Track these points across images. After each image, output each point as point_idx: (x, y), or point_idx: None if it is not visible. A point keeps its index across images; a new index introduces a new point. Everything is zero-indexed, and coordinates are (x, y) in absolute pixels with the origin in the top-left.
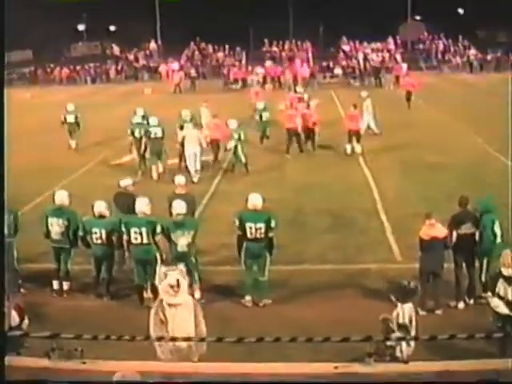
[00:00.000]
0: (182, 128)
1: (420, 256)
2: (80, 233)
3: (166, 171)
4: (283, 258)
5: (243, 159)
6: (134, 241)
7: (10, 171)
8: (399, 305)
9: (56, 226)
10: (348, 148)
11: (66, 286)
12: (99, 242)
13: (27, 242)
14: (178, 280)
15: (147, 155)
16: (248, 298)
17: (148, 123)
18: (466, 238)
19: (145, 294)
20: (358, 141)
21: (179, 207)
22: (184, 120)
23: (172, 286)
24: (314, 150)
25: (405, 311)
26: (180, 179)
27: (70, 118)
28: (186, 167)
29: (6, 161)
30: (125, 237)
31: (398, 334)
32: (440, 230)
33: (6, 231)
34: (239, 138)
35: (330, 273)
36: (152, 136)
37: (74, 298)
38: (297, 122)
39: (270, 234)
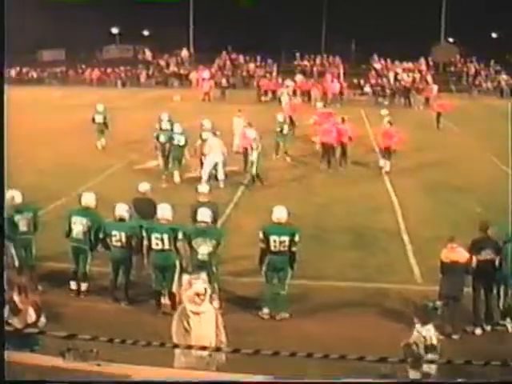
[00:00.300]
0: (201, 137)
1: (440, 279)
2: (100, 235)
3: (185, 179)
4: (303, 273)
5: (254, 171)
6: (154, 246)
7: (38, 169)
8: (421, 326)
9: (79, 224)
10: (381, 162)
11: (83, 287)
12: (118, 244)
13: (48, 241)
14: (205, 288)
15: (170, 161)
16: (266, 310)
17: (172, 129)
18: (485, 263)
19: (162, 300)
20: (389, 158)
21: (204, 215)
22: (204, 129)
23: (199, 295)
24: (345, 165)
25: (431, 332)
26: (204, 188)
27: (99, 119)
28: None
29: (7, 156)
30: (145, 242)
31: (430, 356)
32: (461, 254)
33: (25, 228)
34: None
35: (350, 290)
36: (175, 143)
37: (91, 300)
38: (333, 136)
39: (294, 248)
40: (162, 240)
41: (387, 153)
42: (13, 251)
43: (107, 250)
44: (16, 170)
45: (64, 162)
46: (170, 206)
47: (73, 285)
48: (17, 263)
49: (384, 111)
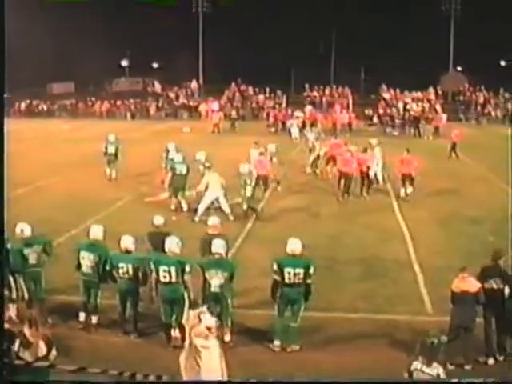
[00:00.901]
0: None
1: (451, 309)
2: (107, 267)
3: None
4: (314, 305)
5: (245, 205)
6: (162, 279)
7: (47, 201)
8: (426, 367)
9: (87, 260)
10: (402, 191)
11: (94, 320)
12: (125, 276)
13: (58, 273)
14: (215, 321)
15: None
16: (277, 342)
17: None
18: (493, 292)
19: (172, 333)
20: (412, 183)
21: (218, 246)
22: (198, 161)
23: (209, 328)
24: (368, 195)
25: (437, 371)
26: (215, 220)
27: (111, 149)
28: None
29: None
30: (153, 274)
31: None
32: (472, 284)
33: (34, 261)
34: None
35: (360, 322)
36: (177, 172)
37: (102, 333)
38: (353, 166)
39: (309, 281)
40: (170, 273)
41: (409, 179)
42: (22, 284)
43: (114, 282)
44: (25, 202)
45: (73, 193)
46: (178, 239)
47: (82, 317)
48: (26, 296)
49: (374, 140)
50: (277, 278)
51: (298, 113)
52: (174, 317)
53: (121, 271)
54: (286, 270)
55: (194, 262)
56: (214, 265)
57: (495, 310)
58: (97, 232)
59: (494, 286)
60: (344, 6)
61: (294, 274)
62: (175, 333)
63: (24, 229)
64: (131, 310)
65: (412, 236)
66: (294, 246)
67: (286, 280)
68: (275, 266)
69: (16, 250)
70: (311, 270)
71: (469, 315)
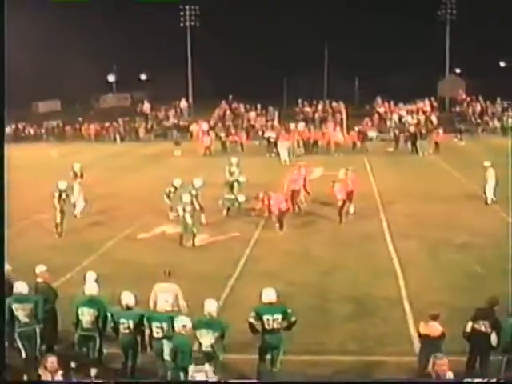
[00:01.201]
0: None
1: (419, 350)
2: (111, 324)
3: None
4: (304, 348)
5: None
6: (155, 335)
7: (38, 242)
8: None
9: (87, 315)
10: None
11: (93, 372)
12: (127, 331)
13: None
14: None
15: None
16: None
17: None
18: (480, 334)
19: None
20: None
21: (211, 307)
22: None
23: None
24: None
25: None
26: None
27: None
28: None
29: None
30: (147, 331)
31: None
32: (435, 329)
33: (26, 319)
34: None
35: (349, 364)
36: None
37: None
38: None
39: (293, 319)
40: (162, 328)
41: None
42: (18, 342)
43: (116, 335)
44: (15, 243)
45: (64, 232)
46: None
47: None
48: (23, 355)
49: (487, 163)
50: (255, 323)
51: (269, 133)
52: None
53: (122, 327)
54: (265, 317)
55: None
56: (205, 325)
57: (480, 352)
58: (92, 288)
59: (483, 329)
60: (337, 14)
61: (273, 320)
62: None
63: (18, 286)
64: (131, 361)
65: (403, 270)
66: (269, 296)
67: (266, 326)
68: (253, 314)
69: (7, 305)
70: (289, 311)
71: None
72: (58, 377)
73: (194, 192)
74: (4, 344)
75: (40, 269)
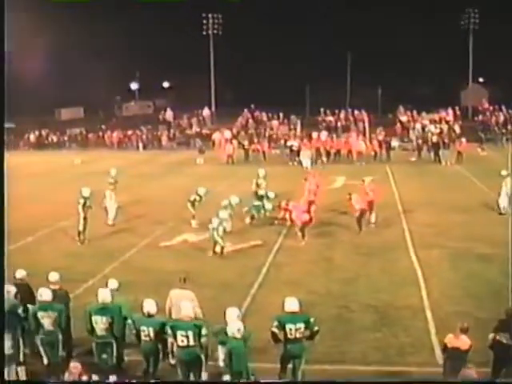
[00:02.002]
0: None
1: (444, 361)
2: (133, 330)
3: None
4: (325, 358)
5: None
6: (180, 343)
7: (60, 248)
8: None
9: (100, 323)
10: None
11: (111, 379)
12: (147, 339)
13: (78, 330)
14: None
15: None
16: None
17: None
18: (501, 346)
19: None
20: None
21: (232, 315)
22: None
23: None
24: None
25: None
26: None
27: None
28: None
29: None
30: (170, 339)
31: None
32: (464, 342)
33: (51, 327)
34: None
35: (371, 374)
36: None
37: None
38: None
39: (316, 328)
40: (188, 337)
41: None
42: (41, 348)
43: (139, 342)
44: (37, 250)
45: (87, 239)
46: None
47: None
48: (45, 361)
49: (504, 172)
50: (276, 331)
51: (291, 141)
52: (191, 376)
53: (143, 334)
54: (288, 326)
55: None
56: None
57: (503, 363)
58: (105, 296)
59: (504, 341)
60: (360, 23)
61: (296, 329)
62: None
63: (43, 293)
64: (152, 368)
65: (425, 280)
66: (292, 306)
67: (288, 335)
68: (276, 323)
69: (32, 313)
70: (312, 320)
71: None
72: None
73: (230, 211)
74: (4, 344)
75: (54, 277)
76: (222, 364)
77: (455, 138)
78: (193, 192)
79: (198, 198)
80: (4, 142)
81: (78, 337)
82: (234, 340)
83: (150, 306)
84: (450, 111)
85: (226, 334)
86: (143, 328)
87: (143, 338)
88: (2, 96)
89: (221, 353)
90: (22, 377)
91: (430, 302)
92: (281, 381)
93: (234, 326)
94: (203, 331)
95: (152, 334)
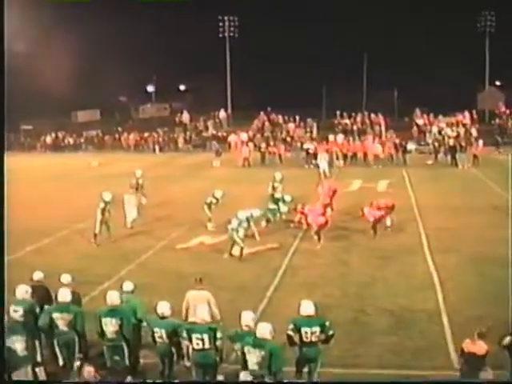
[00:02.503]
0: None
1: (461, 365)
2: (149, 332)
3: None
4: (340, 361)
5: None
6: (195, 346)
7: (76, 250)
8: None
9: (110, 325)
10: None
11: (129, 379)
12: (160, 340)
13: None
14: None
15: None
16: None
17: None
18: None
19: None
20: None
21: (247, 319)
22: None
23: None
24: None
25: None
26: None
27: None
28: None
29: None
30: (186, 342)
31: None
32: (481, 348)
33: (65, 328)
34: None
35: (386, 378)
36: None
37: None
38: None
39: (330, 332)
40: (203, 340)
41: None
42: (57, 349)
43: (155, 344)
44: (54, 252)
45: (103, 241)
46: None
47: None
48: (61, 362)
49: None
50: (292, 334)
51: (307, 144)
52: (207, 378)
53: (156, 335)
54: (303, 329)
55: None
56: (241, 338)
57: None
58: (114, 298)
59: None
60: (376, 26)
61: (311, 333)
62: None
63: (63, 294)
64: (167, 370)
65: (442, 283)
66: (308, 310)
67: (304, 338)
68: (291, 326)
69: (47, 313)
70: (327, 324)
71: (476, 376)
72: None
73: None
74: (4, 344)
75: (66, 279)
76: (256, 368)
77: (472, 141)
78: (210, 194)
79: (214, 201)
80: (4, 143)
81: (93, 339)
82: (269, 342)
83: (163, 307)
84: (467, 114)
85: (215, 339)
86: (156, 330)
87: (157, 339)
88: (2, 96)
89: (253, 356)
90: (42, 377)
91: (446, 306)
92: (284, 381)
93: (265, 328)
94: (218, 334)
95: (165, 336)
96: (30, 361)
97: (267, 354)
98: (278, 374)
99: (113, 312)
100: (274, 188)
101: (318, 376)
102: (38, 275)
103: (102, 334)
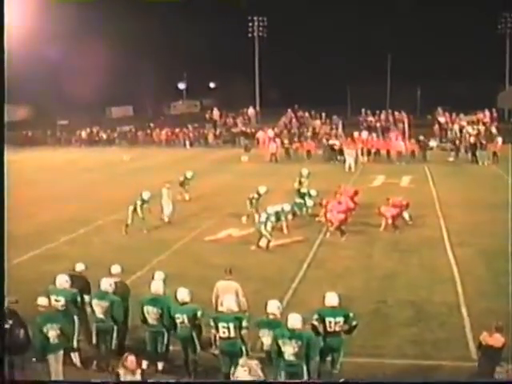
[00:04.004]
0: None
1: (478, 359)
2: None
3: None
4: (362, 351)
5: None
6: (222, 334)
7: (108, 241)
8: None
9: (152, 313)
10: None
11: (160, 366)
12: (183, 326)
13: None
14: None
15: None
16: None
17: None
18: None
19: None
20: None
21: (273, 307)
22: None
23: None
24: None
25: None
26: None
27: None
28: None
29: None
30: (213, 331)
31: None
32: (498, 340)
33: (101, 315)
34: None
35: (405, 368)
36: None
37: (166, 379)
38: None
39: (354, 323)
40: (229, 328)
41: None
42: (94, 336)
43: (175, 330)
44: (87, 243)
45: (134, 232)
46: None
47: (145, 365)
48: (97, 349)
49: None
50: (316, 324)
51: (333, 141)
52: (232, 367)
53: (178, 321)
54: (327, 319)
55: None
56: (267, 325)
57: None
58: (157, 287)
59: None
60: (400, 26)
61: (335, 323)
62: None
63: (106, 283)
64: (192, 356)
65: (461, 277)
66: (332, 301)
67: (328, 328)
68: (316, 316)
69: (87, 301)
70: (351, 315)
71: (493, 368)
72: (138, 376)
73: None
74: (4, 344)
75: (116, 269)
76: (292, 358)
77: (492, 139)
78: (241, 188)
79: (256, 196)
80: (4, 142)
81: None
82: (304, 332)
83: (183, 294)
84: (487, 113)
85: (240, 328)
86: (178, 315)
87: (179, 324)
88: (2, 93)
89: (289, 347)
90: (77, 363)
91: (465, 298)
92: (285, 381)
93: (296, 319)
94: (244, 323)
95: (186, 321)
96: (62, 347)
97: (304, 344)
98: (313, 360)
99: (154, 301)
100: (300, 183)
101: (340, 365)
102: (80, 266)
103: (145, 320)
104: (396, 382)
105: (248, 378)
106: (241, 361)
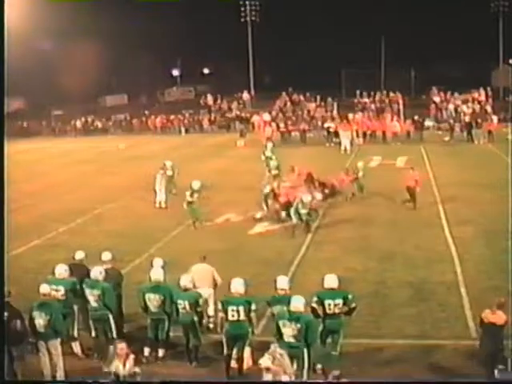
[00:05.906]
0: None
1: (480, 337)
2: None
3: None
4: (362, 332)
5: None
6: (230, 318)
7: (106, 229)
8: None
9: (154, 301)
10: None
11: (161, 352)
12: (184, 311)
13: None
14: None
15: None
16: (319, 366)
17: None
18: None
19: (232, 365)
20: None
21: (283, 283)
22: None
23: (267, 369)
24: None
25: None
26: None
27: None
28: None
29: None
30: (221, 314)
31: None
32: (499, 317)
33: (95, 304)
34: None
35: (406, 348)
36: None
37: (168, 365)
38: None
39: (353, 305)
40: (238, 312)
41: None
42: (91, 325)
43: (177, 316)
44: (85, 231)
45: (132, 220)
46: (243, 280)
47: (146, 352)
48: (95, 337)
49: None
50: (316, 306)
51: (328, 123)
52: (236, 350)
53: (180, 307)
54: (327, 301)
55: (259, 299)
56: (278, 301)
57: None
58: (158, 274)
59: None
60: (393, 8)
61: (334, 305)
62: (234, 364)
63: (93, 272)
64: (194, 341)
65: (460, 256)
66: (331, 283)
67: (327, 310)
68: (315, 299)
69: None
70: (350, 298)
71: (495, 345)
72: (130, 361)
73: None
74: (4, 344)
75: (106, 256)
76: (291, 340)
77: (487, 117)
78: (235, 172)
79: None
80: (4, 135)
81: (129, 313)
82: (303, 315)
83: (185, 280)
84: (482, 92)
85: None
86: (179, 301)
87: (181, 310)
88: (1, 89)
89: (289, 329)
90: (78, 352)
91: (464, 278)
92: (286, 381)
93: (299, 301)
94: (253, 306)
95: (187, 307)
96: (50, 338)
97: (303, 327)
98: (313, 344)
99: (156, 288)
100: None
101: (340, 347)
102: (79, 255)
103: (146, 308)
104: (396, 382)
105: (270, 365)
106: (272, 346)
